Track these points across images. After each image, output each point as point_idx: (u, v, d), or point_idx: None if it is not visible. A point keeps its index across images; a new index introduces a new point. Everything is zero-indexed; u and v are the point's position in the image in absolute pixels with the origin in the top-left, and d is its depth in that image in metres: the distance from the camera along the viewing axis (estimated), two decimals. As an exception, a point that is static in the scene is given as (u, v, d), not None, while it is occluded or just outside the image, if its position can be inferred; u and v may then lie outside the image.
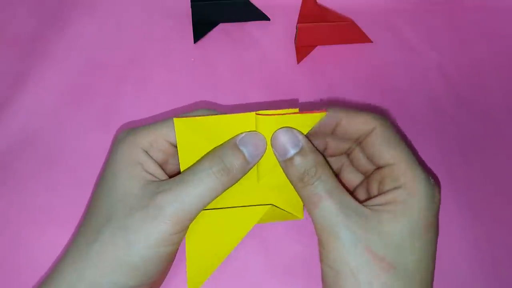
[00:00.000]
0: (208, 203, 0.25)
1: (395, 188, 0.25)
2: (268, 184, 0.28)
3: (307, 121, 0.26)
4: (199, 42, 0.43)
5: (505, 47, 0.44)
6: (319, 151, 0.26)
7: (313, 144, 0.26)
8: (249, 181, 0.27)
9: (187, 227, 0.26)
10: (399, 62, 0.42)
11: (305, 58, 0.42)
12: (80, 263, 0.25)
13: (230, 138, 0.27)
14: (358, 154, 0.29)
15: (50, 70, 0.41)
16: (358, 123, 0.27)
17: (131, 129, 0.28)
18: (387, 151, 0.26)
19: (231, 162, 0.25)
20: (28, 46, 0.42)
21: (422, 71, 0.42)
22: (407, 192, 0.24)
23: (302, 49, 0.42)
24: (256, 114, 0.26)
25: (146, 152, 0.27)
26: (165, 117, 0.38)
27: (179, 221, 0.24)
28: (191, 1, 0.41)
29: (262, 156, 0.26)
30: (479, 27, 0.44)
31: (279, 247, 0.35)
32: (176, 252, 0.27)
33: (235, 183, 0.26)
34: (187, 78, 0.41)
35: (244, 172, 0.26)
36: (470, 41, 0.44)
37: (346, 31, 0.42)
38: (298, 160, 0.25)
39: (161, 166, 0.27)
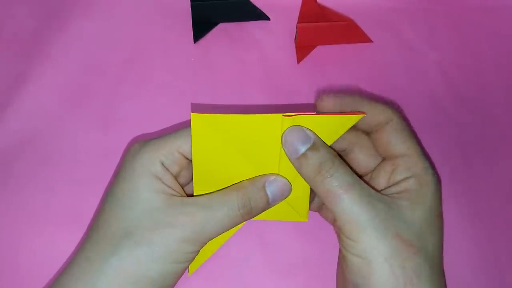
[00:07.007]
0: (227, 231, 0.27)
1: (408, 177, 0.26)
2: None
3: (342, 123, 0.25)
4: (199, 42, 0.43)
5: (505, 47, 0.44)
6: (330, 146, 0.26)
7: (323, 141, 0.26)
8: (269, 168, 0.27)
9: (202, 247, 0.27)
10: (399, 61, 0.42)
11: (305, 58, 0.42)
12: (91, 276, 0.24)
13: (258, 177, 0.27)
14: (364, 143, 0.29)
15: (49, 70, 0.41)
16: (377, 114, 0.27)
17: (145, 141, 0.28)
18: (402, 143, 0.27)
19: (257, 203, 0.27)
20: (27, 46, 0.41)
21: (422, 70, 0.42)
22: (419, 181, 0.26)
23: (302, 49, 0.42)
24: (283, 115, 0.24)
25: (163, 164, 0.27)
26: (166, 119, 0.39)
27: (200, 242, 0.26)
28: (191, 1, 0.41)
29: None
30: (480, 27, 0.44)
31: (279, 247, 0.35)
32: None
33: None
34: (186, 78, 0.41)
35: (263, 211, 0.27)
36: (471, 41, 0.44)
37: (346, 31, 0.42)
38: (311, 155, 0.25)
39: (176, 179, 0.28)
